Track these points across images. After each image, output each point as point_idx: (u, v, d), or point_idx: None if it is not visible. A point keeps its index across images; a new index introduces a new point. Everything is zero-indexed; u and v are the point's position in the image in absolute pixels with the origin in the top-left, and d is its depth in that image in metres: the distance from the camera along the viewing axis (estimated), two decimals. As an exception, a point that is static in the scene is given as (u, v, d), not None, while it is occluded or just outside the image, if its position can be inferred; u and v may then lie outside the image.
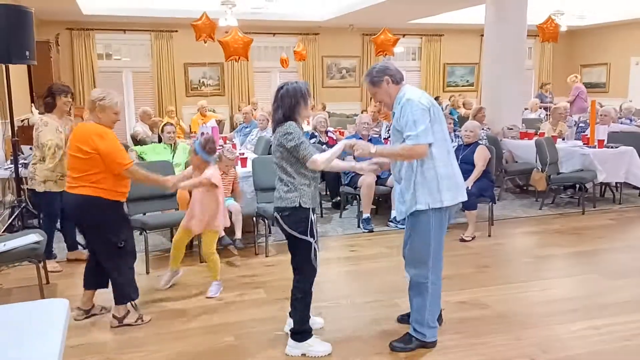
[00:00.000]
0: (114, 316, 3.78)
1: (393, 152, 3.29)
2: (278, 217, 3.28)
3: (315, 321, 3.62)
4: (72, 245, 5.15)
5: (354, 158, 3.48)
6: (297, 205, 3.20)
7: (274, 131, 3.30)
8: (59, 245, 5.20)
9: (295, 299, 3.32)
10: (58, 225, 5.17)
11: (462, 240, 5.64)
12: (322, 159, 3.18)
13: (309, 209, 3.24)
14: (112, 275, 3.73)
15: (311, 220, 3.24)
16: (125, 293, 3.77)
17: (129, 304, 3.81)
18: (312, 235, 3.25)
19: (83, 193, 3.52)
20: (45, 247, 4.35)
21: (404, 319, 3.69)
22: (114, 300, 3.79)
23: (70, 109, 4.95)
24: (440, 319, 3.56)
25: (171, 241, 5.57)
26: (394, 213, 6.20)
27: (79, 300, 4.14)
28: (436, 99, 13.23)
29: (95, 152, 3.47)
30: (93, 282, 3.91)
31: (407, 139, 3.09)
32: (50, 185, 4.74)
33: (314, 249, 3.26)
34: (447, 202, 3.16)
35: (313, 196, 3.28)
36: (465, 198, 3.29)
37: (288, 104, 3.22)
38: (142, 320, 3.82)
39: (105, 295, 3.97)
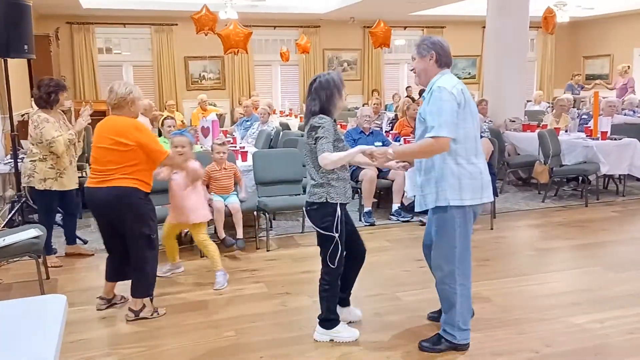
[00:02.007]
0: (130, 309, 3.78)
1: (412, 151, 3.19)
2: (305, 210, 3.32)
3: (355, 312, 3.61)
4: (71, 240, 5.13)
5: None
6: (325, 200, 3.19)
7: (306, 124, 3.26)
8: (59, 240, 5.19)
9: (322, 290, 3.34)
10: (60, 219, 5.17)
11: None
12: (330, 159, 3.10)
13: (337, 204, 3.20)
14: (141, 267, 3.75)
15: (338, 215, 3.20)
16: (146, 287, 3.80)
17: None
18: (337, 231, 3.21)
19: (119, 185, 3.57)
20: (45, 242, 4.33)
21: (433, 317, 3.61)
22: (131, 294, 3.80)
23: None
24: None
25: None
26: (395, 206, 6.18)
27: (79, 295, 4.17)
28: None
29: (136, 144, 3.54)
30: (115, 274, 3.94)
31: (428, 130, 2.96)
32: (50, 183, 4.70)
33: (336, 244, 3.22)
34: (468, 201, 3.02)
35: (343, 190, 3.23)
36: (491, 199, 3.17)
37: (324, 97, 3.17)
38: (158, 314, 3.83)
39: (125, 286, 3.99)
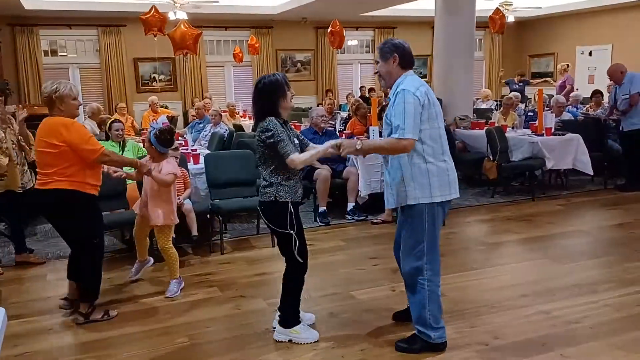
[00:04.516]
0: (79, 313, 3.71)
1: (378, 145, 3.30)
2: (259, 210, 3.33)
3: (305, 317, 3.59)
4: (19, 248, 4.96)
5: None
6: (274, 199, 3.21)
7: (254, 127, 3.27)
8: (3, 249, 5.00)
9: (286, 287, 3.36)
10: (4, 228, 4.99)
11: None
12: (300, 160, 3.15)
13: (288, 202, 3.22)
14: (86, 270, 3.69)
15: (290, 212, 3.22)
16: (90, 292, 3.74)
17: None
18: (293, 228, 3.23)
19: (59, 187, 3.47)
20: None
21: (398, 316, 3.61)
22: (80, 296, 3.74)
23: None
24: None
25: (122, 241, 5.47)
26: (350, 205, 6.22)
27: (24, 306, 4.03)
28: (390, 91, 13.29)
29: (64, 144, 3.43)
30: (73, 273, 3.85)
31: (394, 131, 3.02)
32: None
33: (295, 241, 3.24)
34: (437, 198, 3.07)
35: (293, 189, 3.25)
36: (457, 195, 3.21)
37: (267, 99, 3.18)
38: (109, 316, 3.76)
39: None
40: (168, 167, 4.14)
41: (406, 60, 3.18)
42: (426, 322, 3.17)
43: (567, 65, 12.12)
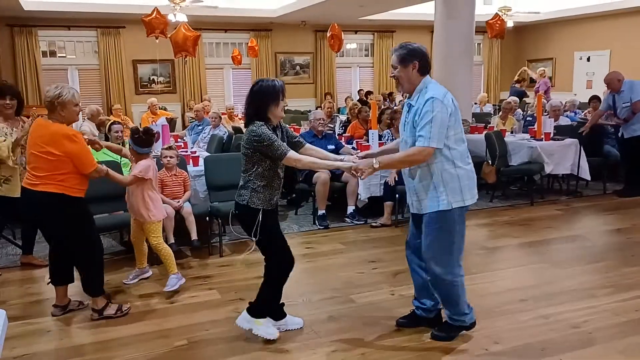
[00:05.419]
0: (93, 309, 3.74)
1: (397, 160, 3.25)
2: (232, 211, 3.37)
3: (294, 321, 3.60)
4: (26, 249, 4.95)
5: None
6: (246, 204, 3.22)
7: (246, 127, 3.30)
8: (3, 250, 4.98)
9: (263, 282, 3.43)
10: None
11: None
12: (302, 162, 3.22)
13: (259, 209, 3.21)
14: (86, 268, 3.71)
15: (258, 220, 3.22)
16: (97, 286, 3.76)
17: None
18: (256, 235, 3.24)
19: (47, 190, 3.49)
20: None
21: (402, 322, 3.58)
22: (90, 294, 3.76)
23: (19, 110, 4.77)
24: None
25: (120, 243, 5.47)
26: (350, 209, 6.22)
27: (23, 308, 4.04)
28: (390, 94, 13.36)
29: (65, 154, 3.46)
30: (60, 278, 3.87)
31: (417, 139, 3.04)
32: None
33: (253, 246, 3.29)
34: (468, 201, 3.17)
35: (267, 197, 3.25)
36: (477, 195, 3.29)
37: (259, 102, 3.19)
38: (122, 311, 3.79)
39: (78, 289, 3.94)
40: (137, 167, 4.15)
41: (425, 66, 3.16)
42: (461, 311, 3.33)
43: (544, 70, 12.34)
